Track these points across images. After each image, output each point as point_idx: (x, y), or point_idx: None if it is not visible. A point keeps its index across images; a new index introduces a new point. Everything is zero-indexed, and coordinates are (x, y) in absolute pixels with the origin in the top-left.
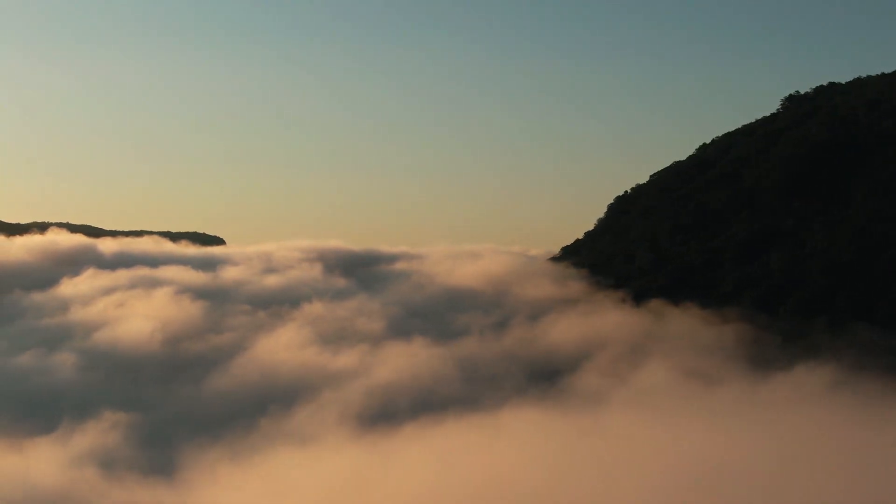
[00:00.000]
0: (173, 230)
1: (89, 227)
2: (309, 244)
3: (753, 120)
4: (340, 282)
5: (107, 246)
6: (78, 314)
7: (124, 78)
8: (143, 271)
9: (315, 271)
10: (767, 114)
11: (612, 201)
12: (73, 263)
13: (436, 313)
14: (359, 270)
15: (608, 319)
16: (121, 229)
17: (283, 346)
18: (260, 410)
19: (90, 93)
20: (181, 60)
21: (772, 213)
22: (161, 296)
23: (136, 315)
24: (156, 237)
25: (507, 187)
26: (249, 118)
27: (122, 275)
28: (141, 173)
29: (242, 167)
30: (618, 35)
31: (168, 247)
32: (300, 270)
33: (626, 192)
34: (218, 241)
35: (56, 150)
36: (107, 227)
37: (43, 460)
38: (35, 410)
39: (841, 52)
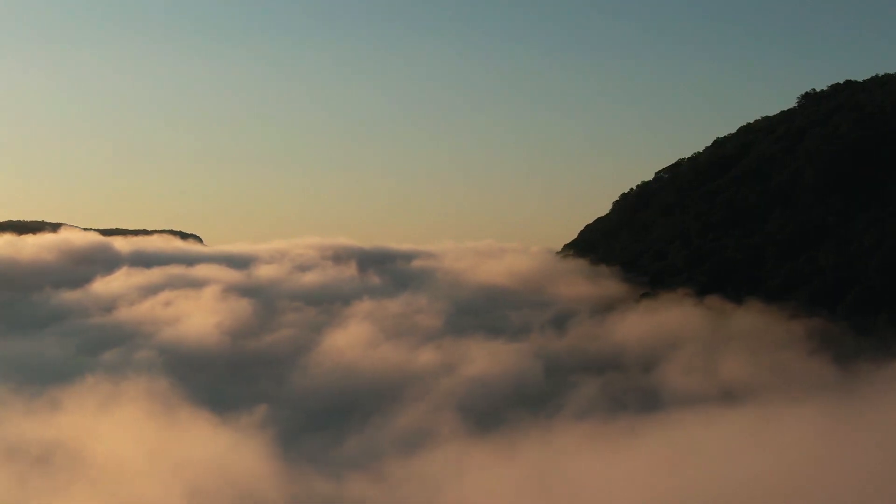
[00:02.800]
0: (149, 228)
1: (60, 224)
2: (319, 241)
3: (759, 117)
4: (375, 279)
5: (120, 244)
6: (131, 313)
7: (108, 77)
8: (178, 270)
9: (350, 269)
10: (770, 112)
11: (616, 198)
12: (92, 262)
13: (485, 310)
14: (385, 267)
15: (673, 316)
16: (95, 227)
17: (354, 344)
18: (367, 406)
19: (66, 92)
20: (174, 57)
21: (809, 210)
22: (209, 294)
23: (196, 313)
24: (166, 236)
25: (499, 184)
26: (222, 114)
27: (157, 273)
28: (110, 172)
29: (214, 164)
30: (609, 33)
31: (178, 244)
32: (335, 268)
33: (631, 189)
34: (195, 238)
35: (41, 149)
36: (82, 225)
37: (217, 451)
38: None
39: (837, 50)
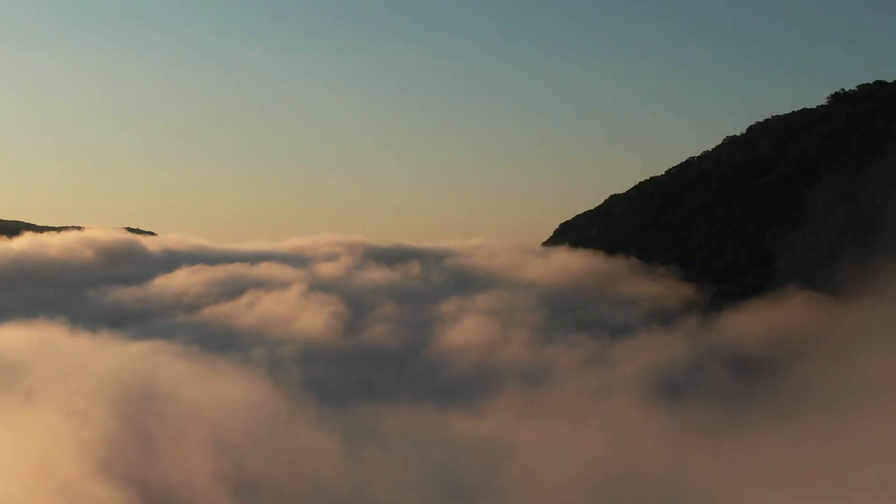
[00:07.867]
0: (108, 226)
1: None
2: (339, 238)
3: (769, 116)
4: (436, 277)
5: (150, 243)
6: (220, 312)
7: (107, 77)
8: (242, 268)
9: (413, 267)
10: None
11: (599, 195)
12: (129, 259)
13: (575, 308)
14: (434, 265)
15: (788, 313)
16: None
17: (477, 340)
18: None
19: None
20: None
21: (876, 207)
22: (295, 293)
23: (296, 311)
24: (183, 234)
25: (479, 183)
26: (211, 114)
27: (220, 271)
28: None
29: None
30: (601, 35)
31: (198, 241)
32: (397, 266)
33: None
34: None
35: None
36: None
37: None
38: None
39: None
